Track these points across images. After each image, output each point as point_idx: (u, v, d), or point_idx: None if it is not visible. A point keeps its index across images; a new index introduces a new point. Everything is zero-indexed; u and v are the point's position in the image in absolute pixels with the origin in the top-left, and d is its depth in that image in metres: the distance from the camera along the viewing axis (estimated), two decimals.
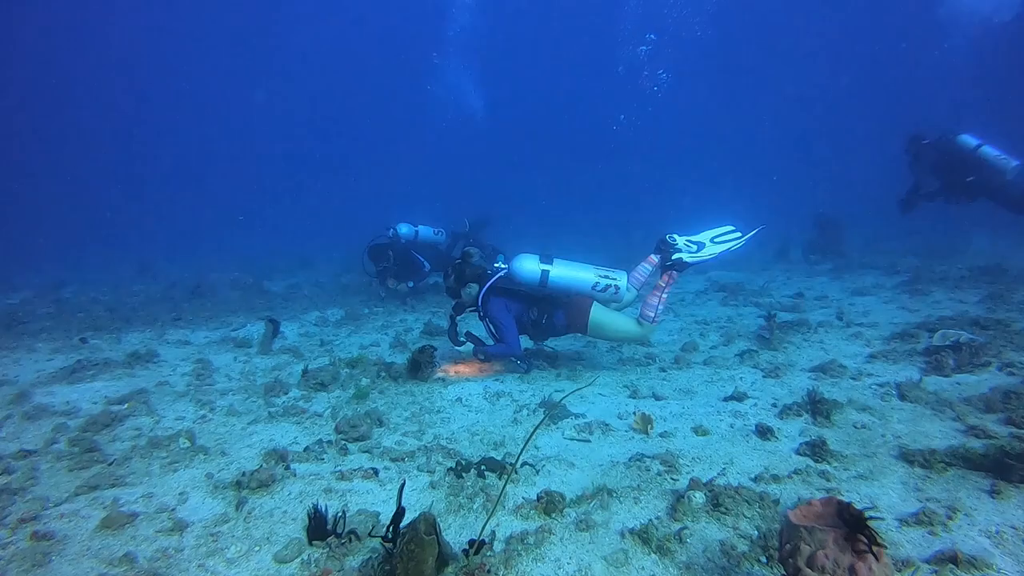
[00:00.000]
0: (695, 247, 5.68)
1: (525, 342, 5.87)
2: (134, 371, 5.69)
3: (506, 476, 3.21)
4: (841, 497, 3.01)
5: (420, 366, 5.19)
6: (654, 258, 5.80)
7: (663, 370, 5.63)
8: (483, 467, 3.38)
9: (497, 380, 5.36)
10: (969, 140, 8.19)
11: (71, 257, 19.39)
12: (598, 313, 5.52)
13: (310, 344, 7.00)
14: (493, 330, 5.62)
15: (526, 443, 2.99)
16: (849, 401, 4.30)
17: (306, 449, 3.80)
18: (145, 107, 50.43)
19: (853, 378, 4.90)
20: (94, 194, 42.83)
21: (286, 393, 5.02)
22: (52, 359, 6.15)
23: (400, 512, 2.37)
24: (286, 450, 3.77)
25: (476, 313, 5.70)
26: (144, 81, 48.52)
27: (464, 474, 3.36)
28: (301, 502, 3.13)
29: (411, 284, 9.88)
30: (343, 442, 3.95)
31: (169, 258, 18.55)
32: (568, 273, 5.46)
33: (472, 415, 4.51)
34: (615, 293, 5.53)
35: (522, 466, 3.47)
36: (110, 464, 3.67)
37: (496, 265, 5.83)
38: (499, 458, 3.60)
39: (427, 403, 4.72)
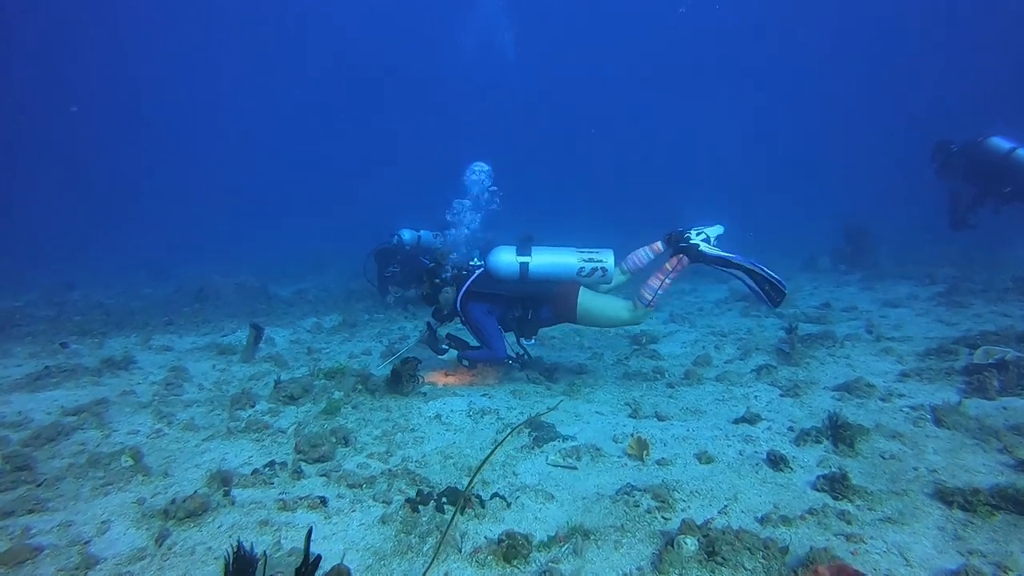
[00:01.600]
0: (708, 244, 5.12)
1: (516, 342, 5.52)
2: (101, 379, 5.36)
3: (455, 512, 2.75)
4: (858, 550, 2.51)
5: (401, 379, 4.76)
6: (659, 246, 5.27)
7: (671, 386, 5.13)
8: (444, 499, 2.93)
9: (485, 395, 4.91)
10: (1001, 144, 7.62)
11: (88, 259, 19.45)
12: (586, 298, 5.11)
13: (297, 352, 6.63)
14: (476, 335, 5.23)
15: (478, 470, 2.54)
16: (877, 426, 3.76)
17: (254, 472, 3.38)
18: (163, 106, 51.47)
19: (882, 399, 4.34)
20: (114, 196, 43.47)
21: (253, 406, 4.62)
22: (22, 365, 5.86)
23: (309, 563, 1.94)
24: (232, 472, 3.37)
25: (459, 319, 5.34)
26: (162, 80, 49.60)
27: (421, 507, 2.92)
28: (231, 536, 2.72)
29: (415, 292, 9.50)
30: (300, 463, 3.54)
31: (185, 261, 18.43)
32: (549, 261, 5.07)
33: (449, 435, 4.05)
34: (603, 275, 5.12)
35: (492, 498, 3.02)
36: (38, 485, 3.31)
37: (471, 263, 5.41)
38: (469, 487, 3.15)
39: (402, 420, 4.28)
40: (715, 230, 5.17)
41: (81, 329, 7.65)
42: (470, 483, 2.50)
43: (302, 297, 11.19)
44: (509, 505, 3.00)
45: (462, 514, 2.85)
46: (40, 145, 48.02)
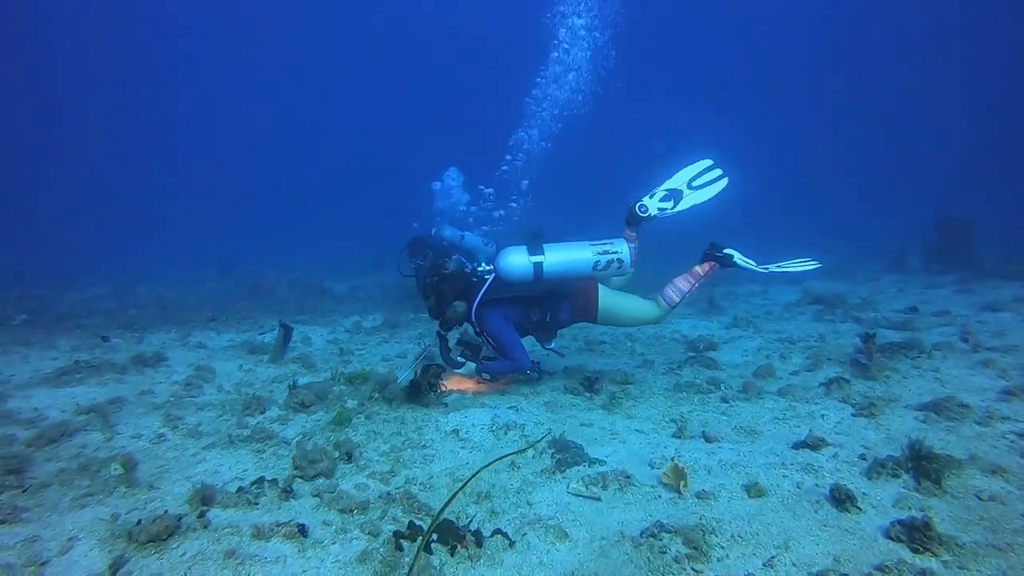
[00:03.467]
0: (671, 203, 4.90)
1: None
2: (126, 376, 5.25)
3: (418, 551, 2.33)
4: None
5: (420, 388, 4.39)
6: (631, 233, 5.03)
7: (725, 400, 4.54)
8: (433, 536, 2.52)
9: (513, 407, 4.47)
10: None
11: (164, 254, 20.20)
12: (606, 297, 4.85)
13: (330, 352, 6.40)
14: (494, 346, 4.84)
15: (451, 499, 2.12)
16: (971, 457, 3.11)
17: (239, 490, 3.08)
18: (246, 104, 53.71)
19: (979, 423, 3.64)
20: (190, 194, 45.53)
21: (263, 412, 4.35)
22: (58, 359, 5.87)
23: None
24: (217, 489, 3.08)
25: (472, 329, 5.04)
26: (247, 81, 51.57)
27: (407, 543, 2.52)
28: (191, 568, 2.41)
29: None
30: (295, 480, 3.22)
31: (253, 257, 18.80)
32: (564, 258, 4.74)
33: (464, 453, 3.64)
34: (619, 267, 4.81)
35: (493, 535, 2.59)
36: (24, 491, 3.12)
37: (480, 268, 5.01)
38: (470, 518, 2.73)
39: (415, 434, 3.89)
40: (673, 181, 4.99)
41: (128, 323, 7.72)
42: (439, 513, 2.09)
43: (355, 295, 11.08)
44: (512, 544, 2.56)
45: (452, 555, 2.44)
46: (114, 144, 51.05)
